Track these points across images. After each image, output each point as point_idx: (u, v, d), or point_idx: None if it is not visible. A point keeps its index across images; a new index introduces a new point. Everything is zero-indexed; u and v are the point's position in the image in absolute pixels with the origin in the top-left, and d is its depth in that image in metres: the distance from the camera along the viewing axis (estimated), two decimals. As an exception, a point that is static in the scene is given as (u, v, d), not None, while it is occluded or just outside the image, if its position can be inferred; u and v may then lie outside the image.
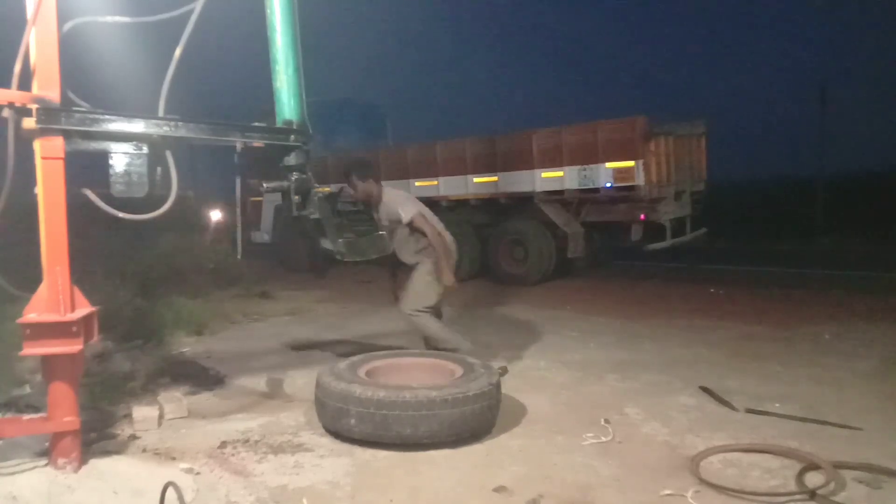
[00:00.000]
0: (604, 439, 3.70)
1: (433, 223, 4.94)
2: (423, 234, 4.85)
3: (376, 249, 4.00)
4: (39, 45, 3.00)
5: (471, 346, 4.95)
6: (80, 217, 3.36)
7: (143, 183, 3.27)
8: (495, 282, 10.02)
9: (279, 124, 3.62)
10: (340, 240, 3.81)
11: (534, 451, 3.58)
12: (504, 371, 4.96)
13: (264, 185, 3.77)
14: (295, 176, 3.61)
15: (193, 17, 3.35)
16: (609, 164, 8.90)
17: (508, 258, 10.03)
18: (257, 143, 3.56)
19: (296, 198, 3.64)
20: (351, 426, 3.57)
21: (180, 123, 3.32)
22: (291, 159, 3.63)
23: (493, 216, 10.41)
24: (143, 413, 3.95)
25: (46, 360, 3.06)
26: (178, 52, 3.33)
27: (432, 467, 3.37)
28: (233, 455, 3.56)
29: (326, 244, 3.82)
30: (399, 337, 6.47)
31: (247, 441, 3.76)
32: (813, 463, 3.23)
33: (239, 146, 3.54)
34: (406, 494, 3.09)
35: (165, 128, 3.27)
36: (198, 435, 3.86)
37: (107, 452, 3.46)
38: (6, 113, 2.92)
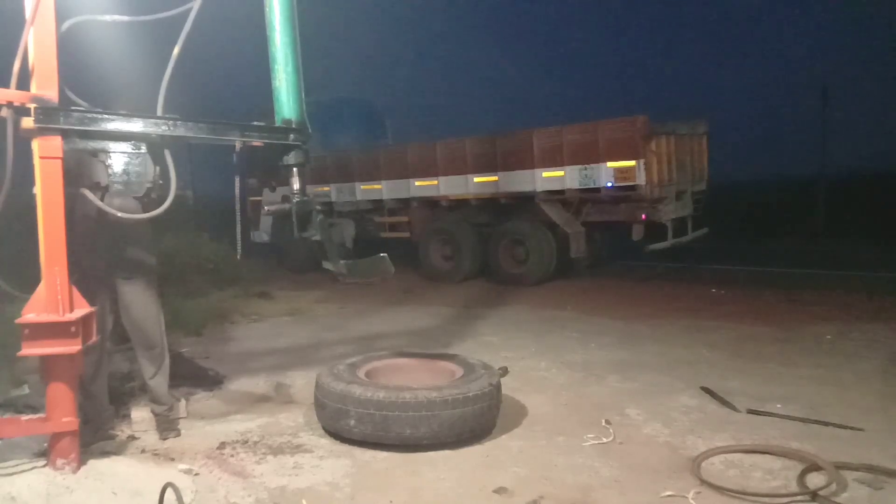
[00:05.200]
0: (604, 440, 3.69)
1: None
2: None
3: (378, 272, 3.98)
4: (38, 44, 2.98)
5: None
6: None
7: (142, 182, 3.26)
8: (496, 282, 10.01)
9: (278, 123, 3.61)
10: (342, 261, 3.81)
11: (534, 452, 3.56)
12: (504, 372, 4.95)
13: (266, 208, 3.85)
14: (296, 198, 3.61)
15: (191, 16, 3.34)
16: (610, 164, 8.87)
17: (509, 258, 10.01)
18: (256, 143, 3.55)
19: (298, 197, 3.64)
20: (350, 427, 3.56)
21: (179, 123, 3.31)
22: (290, 158, 3.62)
23: (493, 216, 10.39)
24: (141, 414, 3.94)
25: (45, 360, 3.05)
26: (176, 50, 3.32)
27: (432, 468, 3.36)
28: (232, 456, 3.55)
29: (328, 266, 3.82)
30: (399, 337, 6.47)
31: (246, 442, 3.75)
32: (815, 464, 3.22)
33: (238, 145, 3.51)
34: (406, 496, 3.07)
35: (164, 127, 3.26)
36: (197, 436, 3.85)
37: (105, 453, 3.46)
38: (5, 112, 2.90)
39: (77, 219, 3.41)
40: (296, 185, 3.63)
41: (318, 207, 3.71)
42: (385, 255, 3.92)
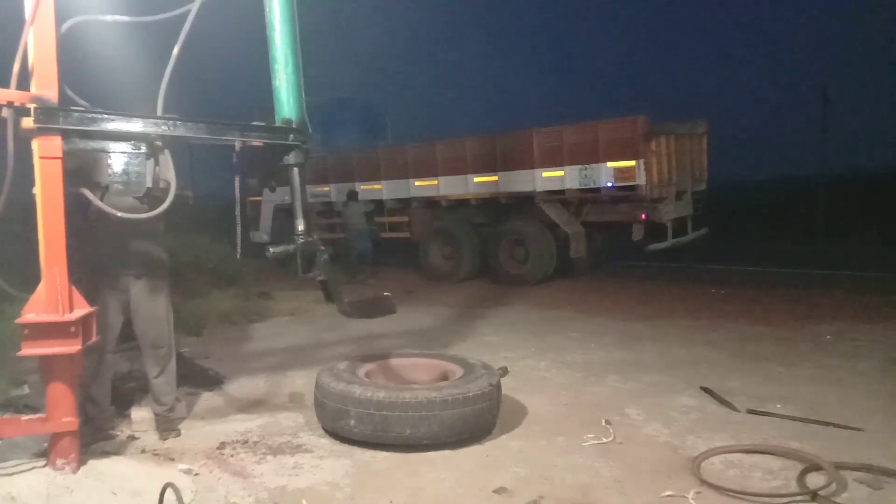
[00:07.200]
0: (605, 440, 3.68)
1: None
2: None
3: (382, 310, 4.04)
4: (37, 44, 2.98)
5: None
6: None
7: (141, 182, 3.25)
8: (496, 282, 10.01)
9: (278, 123, 3.61)
10: (347, 300, 3.84)
11: (534, 452, 3.56)
12: (504, 372, 4.95)
13: (271, 249, 3.72)
14: (301, 239, 3.61)
15: (190, 17, 3.34)
16: (610, 164, 8.89)
17: (509, 258, 10.01)
18: (256, 143, 3.55)
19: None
20: (350, 427, 3.56)
21: (178, 123, 3.31)
22: (290, 158, 3.62)
23: (493, 216, 10.40)
24: (141, 414, 3.94)
25: (45, 360, 3.05)
26: (175, 50, 3.31)
27: (432, 468, 3.36)
28: (232, 456, 3.55)
29: (332, 306, 3.86)
30: (399, 337, 6.46)
31: (246, 442, 3.75)
32: (814, 464, 3.22)
33: (238, 145, 3.52)
34: (406, 496, 3.07)
35: (164, 127, 3.26)
36: (197, 436, 3.85)
37: (105, 453, 3.45)
38: (5, 112, 2.90)
39: (91, 216, 3.43)
40: (300, 227, 3.63)
41: (322, 248, 3.70)
42: (389, 294, 3.99)
